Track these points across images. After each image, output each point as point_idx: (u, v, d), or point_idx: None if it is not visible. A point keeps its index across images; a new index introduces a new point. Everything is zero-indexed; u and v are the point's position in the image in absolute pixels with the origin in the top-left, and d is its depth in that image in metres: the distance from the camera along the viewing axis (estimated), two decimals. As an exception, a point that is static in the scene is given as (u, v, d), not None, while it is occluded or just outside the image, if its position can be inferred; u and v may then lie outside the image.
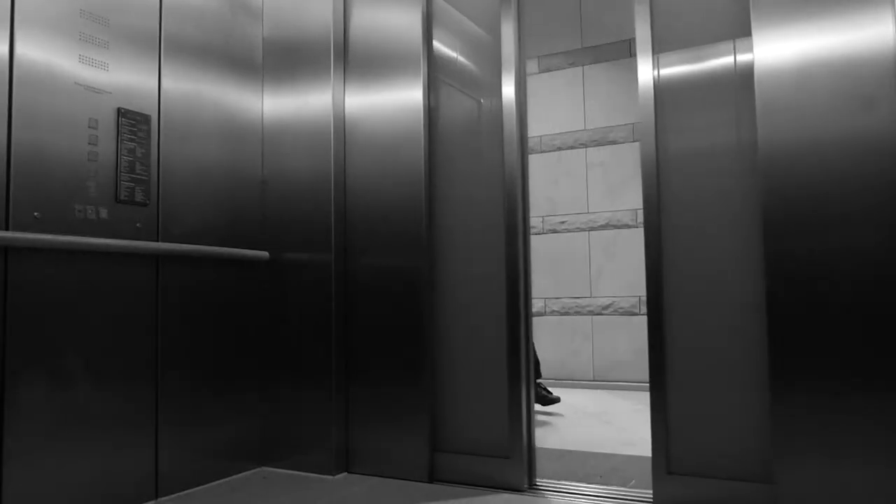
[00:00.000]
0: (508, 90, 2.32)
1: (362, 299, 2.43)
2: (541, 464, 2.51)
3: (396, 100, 2.43)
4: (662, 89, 2.02)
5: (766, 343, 1.79)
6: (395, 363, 2.35)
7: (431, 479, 2.28)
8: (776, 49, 1.81)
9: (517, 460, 2.19)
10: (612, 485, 2.20)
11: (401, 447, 2.32)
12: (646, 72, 2.03)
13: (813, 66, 1.76)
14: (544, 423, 3.41)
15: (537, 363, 3.55)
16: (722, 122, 1.94)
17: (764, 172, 1.80)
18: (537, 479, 2.25)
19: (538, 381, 3.58)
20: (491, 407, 2.25)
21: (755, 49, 1.83)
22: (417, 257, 2.34)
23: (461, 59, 2.46)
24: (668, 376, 1.96)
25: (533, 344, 3.59)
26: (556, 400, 3.57)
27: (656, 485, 1.95)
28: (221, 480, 2.30)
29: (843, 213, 1.70)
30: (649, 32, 2.03)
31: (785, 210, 1.77)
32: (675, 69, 2.01)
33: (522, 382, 2.22)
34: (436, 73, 2.46)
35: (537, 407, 3.68)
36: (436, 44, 2.47)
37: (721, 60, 1.96)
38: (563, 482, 2.25)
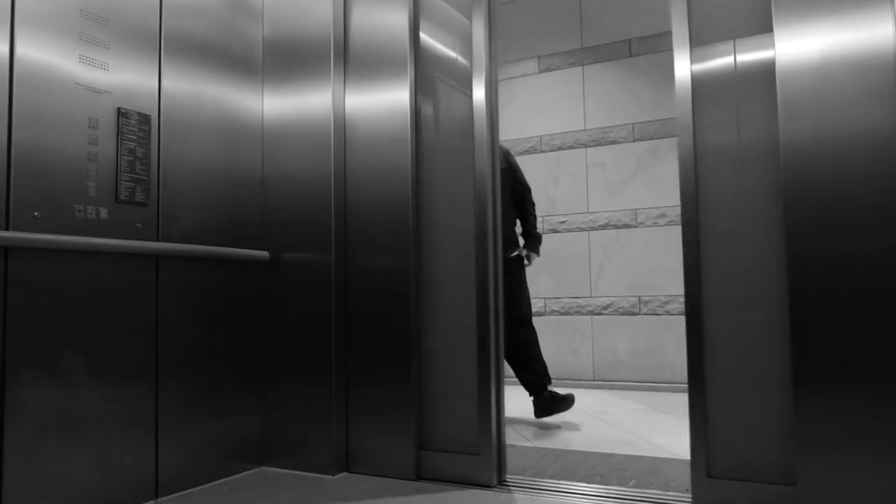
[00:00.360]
0: (479, 93, 2.34)
1: (358, 299, 2.43)
2: (543, 463, 2.52)
3: (387, 100, 2.44)
4: (698, 84, 1.98)
5: (789, 343, 1.77)
6: (387, 363, 2.37)
7: (418, 476, 2.31)
8: (797, 45, 1.79)
9: (486, 457, 2.23)
10: (611, 484, 2.21)
11: (393, 446, 2.34)
12: (683, 66, 1.99)
13: (835, 62, 1.74)
14: (550, 426, 3.41)
15: (544, 367, 3.44)
16: (756, 117, 1.90)
17: (785, 170, 1.78)
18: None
19: (549, 386, 3.42)
20: (466, 405, 2.30)
21: (776, 45, 1.81)
22: (405, 258, 2.36)
23: (448, 55, 2.45)
24: (707, 378, 1.92)
25: (538, 349, 3.50)
26: (571, 401, 3.35)
27: (695, 489, 1.91)
28: (221, 480, 2.30)
29: (864, 212, 1.68)
30: (686, 26, 1.99)
31: (806, 208, 1.75)
32: (710, 63, 1.98)
33: (492, 380, 2.26)
34: (424, 71, 2.46)
35: (553, 418, 3.45)
36: (425, 41, 2.47)
37: (755, 55, 1.93)
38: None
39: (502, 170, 3.39)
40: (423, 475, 2.31)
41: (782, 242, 1.83)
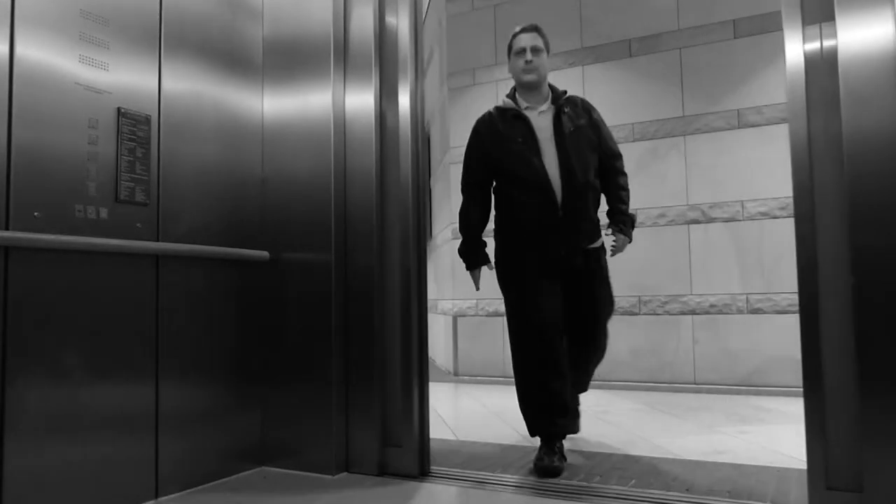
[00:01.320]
0: (404, 99, 2.39)
1: (355, 299, 2.45)
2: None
3: (353, 102, 2.47)
4: (811, 66, 1.85)
5: (853, 342, 1.70)
6: (365, 363, 2.41)
7: (381, 472, 2.36)
8: (861, 34, 1.72)
9: (408, 449, 2.33)
10: (610, 483, 2.21)
11: (367, 444, 2.38)
12: (795, 48, 1.87)
13: None
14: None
15: (562, 401, 2.52)
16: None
17: (848, 161, 1.71)
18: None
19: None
20: (396, 400, 2.40)
21: (839, 34, 1.74)
22: (370, 259, 2.41)
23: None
24: (825, 381, 1.80)
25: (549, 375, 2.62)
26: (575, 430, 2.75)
27: (813, 502, 1.80)
28: (221, 480, 2.30)
29: None
30: (798, 3, 1.87)
31: (870, 202, 1.69)
32: (823, 44, 1.86)
33: (414, 377, 2.37)
34: (391, 72, 2.47)
35: None
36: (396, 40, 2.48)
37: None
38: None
39: (581, 126, 2.60)
40: (386, 471, 2.36)
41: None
